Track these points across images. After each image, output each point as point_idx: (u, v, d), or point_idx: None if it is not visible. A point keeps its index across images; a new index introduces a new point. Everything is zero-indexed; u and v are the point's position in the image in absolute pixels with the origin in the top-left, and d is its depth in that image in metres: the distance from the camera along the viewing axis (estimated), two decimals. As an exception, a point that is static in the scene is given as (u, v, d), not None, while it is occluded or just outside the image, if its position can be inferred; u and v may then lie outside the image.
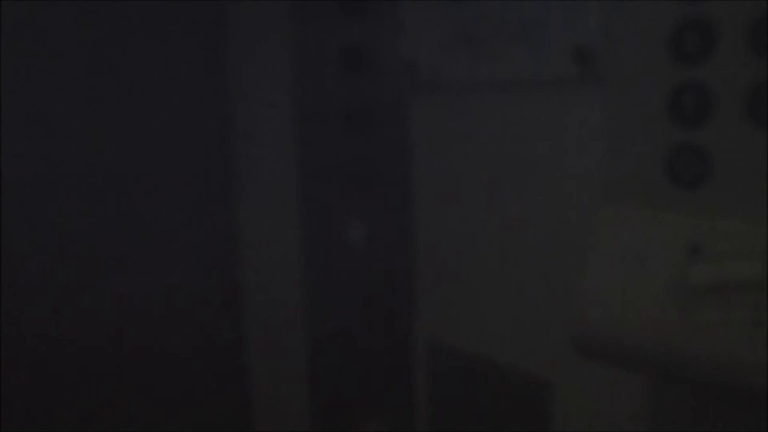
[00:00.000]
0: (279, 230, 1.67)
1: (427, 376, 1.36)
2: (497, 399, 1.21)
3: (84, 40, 1.54)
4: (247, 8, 1.61)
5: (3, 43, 1.44)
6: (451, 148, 1.22)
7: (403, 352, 1.40)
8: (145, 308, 1.70)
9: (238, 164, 1.74)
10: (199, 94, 1.69)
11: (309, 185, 1.55)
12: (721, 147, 0.73)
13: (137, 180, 1.65)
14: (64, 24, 1.52)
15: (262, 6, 1.56)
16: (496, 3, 1.09)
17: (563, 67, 0.99)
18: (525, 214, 1.10)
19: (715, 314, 0.71)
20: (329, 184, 1.49)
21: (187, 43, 1.66)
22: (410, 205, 1.33)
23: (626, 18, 0.78)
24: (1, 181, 1.48)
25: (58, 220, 1.57)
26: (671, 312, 0.73)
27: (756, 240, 0.70)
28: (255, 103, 1.64)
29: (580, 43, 0.95)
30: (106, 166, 1.61)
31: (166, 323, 1.73)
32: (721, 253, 0.72)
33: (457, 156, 1.21)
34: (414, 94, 1.27)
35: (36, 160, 1.53)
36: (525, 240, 1.11)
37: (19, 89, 1.48)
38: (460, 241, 1.24)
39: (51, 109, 1.54)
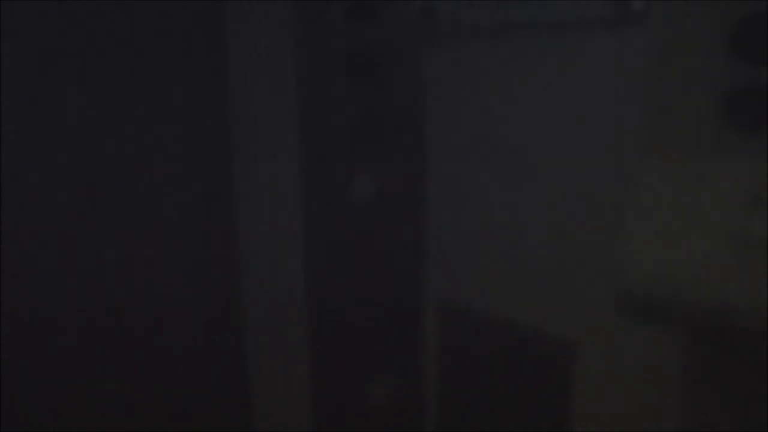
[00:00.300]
0: (278, 185, 1.60)
1: (436, 337, 1.32)
2: (512, 359, 1.17)
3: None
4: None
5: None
6: (468, 97, 1.15)
7: (411, 312, 1.36)
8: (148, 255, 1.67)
9: (235, 115, 1.66)
10: (196, 36, 1.61)
11: (311, 138, 1.48)
12: (787, 88, 0.67)
13: (133, 127, 1.60)
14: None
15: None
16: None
17: (597, 7, 0.92)
18: (548, 167, 1.05)
19: (778, 267, 0.66)
20: (334, 136, 1.42)
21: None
22: (422, 159, 1.26)
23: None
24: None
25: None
26: (730, 265, 0.68)
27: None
28: (253, 49, 1.56)
29: (619, -20, 0.88)
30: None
31: (167, 279, 1.70)
32: (785, 202, 0.67)
33: (475, 106, 1.14)
34: (429, 41, 1.19)
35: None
36: (547, 195, 1.06)
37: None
38: (476, 195, 1.18)
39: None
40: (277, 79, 1.52)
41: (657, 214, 0.73)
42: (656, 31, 0.79)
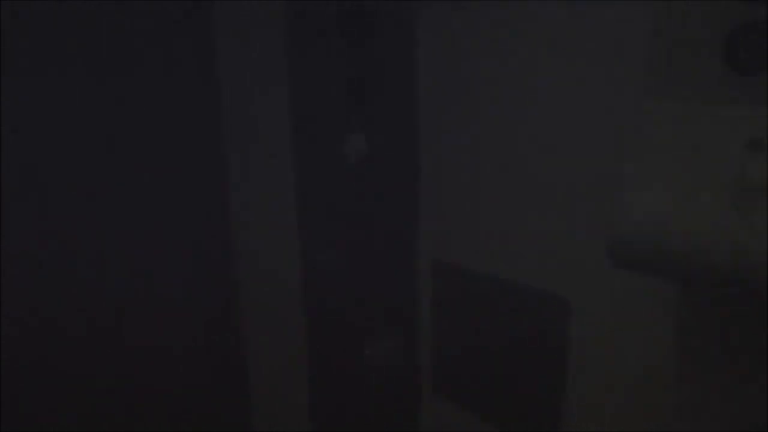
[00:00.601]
0: (268, 146, 1.58)
1: (432, 298, 1.30)
2: (507, 317, 1.15)
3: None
4: None
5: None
6: (462, 53, 1.12)
7: (406, 273, 1.34)
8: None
9: (223, 72, 1.63)
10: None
11: (301, 98, 1.45)
12: (788, 26, 0.64)
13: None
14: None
15: None
16: None
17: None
18: (539, 123, 1.02)
19: (777, 213, 0.64)
20: (324, 96, 1.39)
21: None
22: (414, 118, 1.24)
23: None
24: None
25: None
26: (728, 211, 0.66)
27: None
28: (240, 6, 1.52)
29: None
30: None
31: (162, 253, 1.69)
32: (785, 146, 0.65)
33: (468, 63, 1.12)
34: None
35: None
36: (538, 152, 1.04)
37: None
38: (468, 154, 1.16)
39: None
40: (267, 51, 1.49)
41: (653, 160, 0.71)
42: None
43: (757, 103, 0.67)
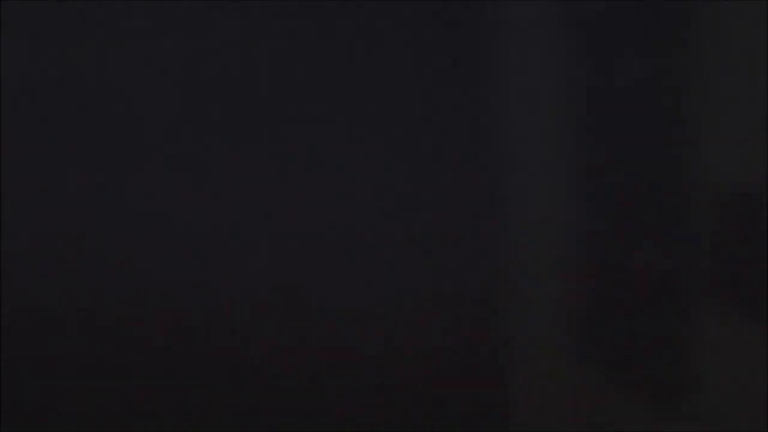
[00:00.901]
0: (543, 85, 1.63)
1: (708, 213, 1.35)
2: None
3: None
4: None
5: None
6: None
7: (684, 191, 1.39)
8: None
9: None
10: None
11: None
12: None
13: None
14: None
15: None
16: None
17: None
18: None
19: None
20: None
21: None
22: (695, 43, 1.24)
23: None
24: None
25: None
26: None
27: None
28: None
29: None
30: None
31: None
32: None
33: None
34: None
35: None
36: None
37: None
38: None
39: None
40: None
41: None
42: None
43: None
